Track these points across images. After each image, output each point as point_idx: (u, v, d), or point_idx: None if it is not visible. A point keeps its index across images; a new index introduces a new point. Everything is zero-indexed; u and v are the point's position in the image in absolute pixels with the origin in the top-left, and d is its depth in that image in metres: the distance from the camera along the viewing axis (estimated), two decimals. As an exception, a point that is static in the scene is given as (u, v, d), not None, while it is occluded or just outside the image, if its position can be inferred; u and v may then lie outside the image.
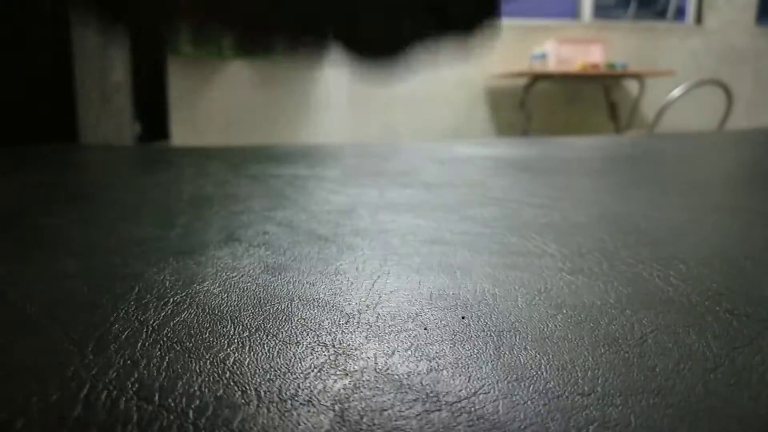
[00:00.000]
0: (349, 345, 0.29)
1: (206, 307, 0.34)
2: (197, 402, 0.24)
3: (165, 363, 0.27)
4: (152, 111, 2.89)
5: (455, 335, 0.30)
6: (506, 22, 4.09)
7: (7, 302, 0.34)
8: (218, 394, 0.24)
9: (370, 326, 0.32)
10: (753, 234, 0.51)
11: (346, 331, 0.31)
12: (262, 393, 0.25)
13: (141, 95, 2.69)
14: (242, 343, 0.29)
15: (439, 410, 0.23)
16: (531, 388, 0.25)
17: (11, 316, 0.32)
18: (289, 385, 0.25)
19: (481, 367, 0.27)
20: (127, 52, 2.44)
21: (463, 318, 0.33)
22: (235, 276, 0.39)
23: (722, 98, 4.03)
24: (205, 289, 0.37)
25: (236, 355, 0.28)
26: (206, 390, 0.25)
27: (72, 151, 1.18)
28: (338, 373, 0.26)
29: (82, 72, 1.96)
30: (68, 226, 0.51)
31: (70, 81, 1.90)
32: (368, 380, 0.26)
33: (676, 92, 3.76)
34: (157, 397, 0.24)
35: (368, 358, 0.28)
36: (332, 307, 0.34)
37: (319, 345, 0.29)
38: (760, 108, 4.46)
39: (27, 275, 0.39)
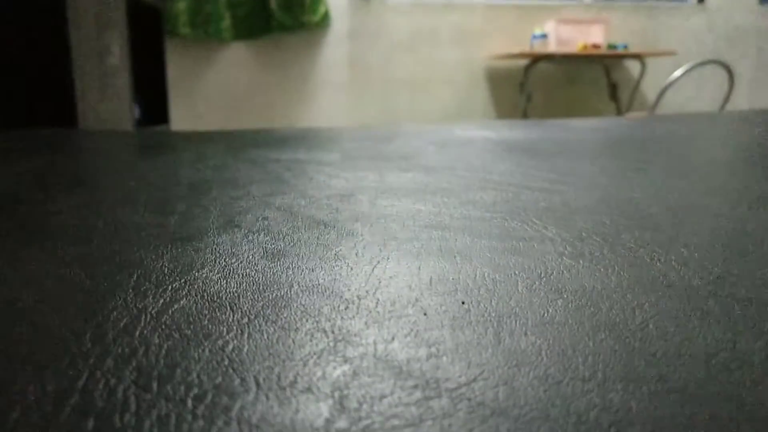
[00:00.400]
0: (348, 331, 0.29)
1: (205, 294, 0.34)
2: (196, 390, 0.24)
3: (163, 351, 0.27)
4: (151, 94, 2.88)
5: (455, 321, 0.30)
6: (507, 2, 4.05)
7: (5, 289, 0.34)
8: (217, 382, 0.24)
9: (370, 312, 0.31)
10: (755, 217, 0.50)
11: (345, 317, 0.31)
12: (261, 380, 0.24)
13: (140, 79, 2.67)
14: (241, 330, 0.29)
15: (438, 397, 0.23)
16: (531, 374, 0.25)
17: (9, 304, 0.32)
18: (288, 372, 0.25)
19: (481, 353, 0.27)
20: (125, 34, 2.42)
21: (462, 303, 0.32)
22: (234, 262, 0.39)
23: (724, 78, 4.01)
24: (204, 275, 0.37)
25: (235, 342, 0.28)
26: (205, 378, 0.25)
27: (71, 135, 1.18)
28: (337, 359, 0.26)
29: (80, 56, 1.95)
30: (67, 212, 0.51)
31: (68, 65, 1.88)
32: (367, 367, 0.26)
33: (678, 73, 3.74)
34: (155, 386, 0.24)
35: (368, 344, 0.28)
36: (332, 293, 0.34)
37: (318, 331, 0.29)
38: (762, 88, 4.44)
39: (25, 262, 0.38)
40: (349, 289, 0.34)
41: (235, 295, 0.34)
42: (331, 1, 3.49)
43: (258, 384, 0.24)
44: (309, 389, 0.24)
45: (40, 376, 0.25)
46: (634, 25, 4.27)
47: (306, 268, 0.38)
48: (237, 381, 0.24)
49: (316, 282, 0.36)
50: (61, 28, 1.84)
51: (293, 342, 0.28)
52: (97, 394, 0.23)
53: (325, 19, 3.43)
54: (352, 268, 0.38)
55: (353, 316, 0.31)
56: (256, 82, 3.46)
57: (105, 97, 2.21)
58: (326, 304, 0.32)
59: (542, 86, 4.08)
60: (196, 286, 0.35)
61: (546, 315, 0.31)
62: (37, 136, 1.06)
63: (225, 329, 0.29)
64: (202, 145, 0.92)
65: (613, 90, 4.17)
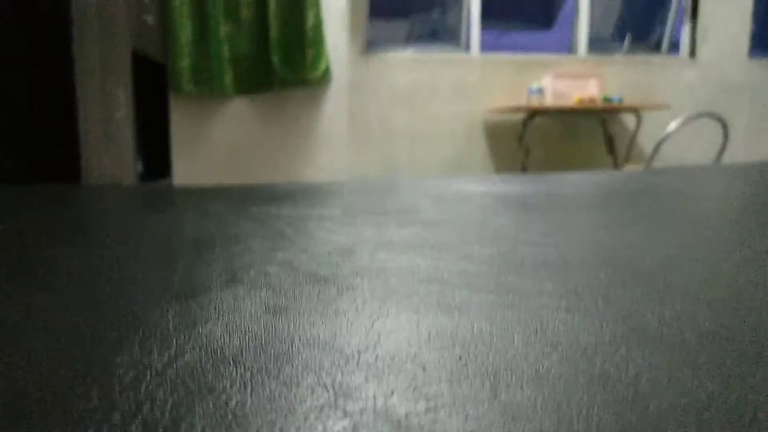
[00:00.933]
0: (348, 386, 0.30)
1: (209, 348, 0.35)
2: (200, 445, 0.24)
3: (169, 405, 0.28)
4: (154, 148, 2.92)
5: (453, 375, 0.31)
6: (503, 57, 4.15)
7: (11, 342, 0.35)
8: (221, 437, 0.25)
9: (370, 367, 0.32)
10: (746, 270, 0.52)
11: (345, 371, 0.32)
12: (264, 435, 0.25)
13: (143, 134, 2.72)
14: (244, 384, 0.30)
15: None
16: (527, 427, 0.26)
17: (15, 356, 0.33)
18: (290, 426, 0.26)
19: (478, 407, 0.28)
20: (130, 90, 2.47)
21: (460, 358, 0.33)
22: (237, 318, 0.40)
23: (719, 131, 4.07)
24: (208, 330, 0.38)
25: (238, 396, 0.29)
26: (209, 433, 0.25)
27: (74, 190, 1.20)
28: (338, 414, 0.27)
29: (85, 111, 1.99)
30: (70, 268, 0.52)
31: (73, 119, 1.92)
32: (367, 421, 0.26)
33: (673, 125, 3.80)
34: (161, 441, 0.25)
35: (367, 398, 0.28)
36: (332, 347, 0.35)
37: (319, 386, 0.30)
38: (756, 139, 4.50)
39: (28, 315, 0.39)
40: (349, 344, 0.35)
41: (238, 350, 0.35)
42: (331, 55, 3.57)
43: (261, 439, 0.25)
44: (310, 444, 0.24)
45: (46, 430, 0.25)
46: (629, 79, 4.36)
47: (307, 323, 0.39)
48: (240, 436, 0.25)
49: (317, 337, 0.36)
50: (67, 84, 1.89)
51: (295, 396, 0.29)
52: (105, 450, 0.24)
53: (327, 74, 3.51)
54: (352, 323, 0.39)
55: (353, 371, 0.32)
56: (258, 136, 3.51)
57: (109, 151, 2.25)
58: (327, 359, 0.33)
59: (540, 139, 4.13)
60: (200, 341, 0.36)
61: (541, 369, 0.32)
62: (40, 191, 1.08)
63: (228, 384, 0.30)
64: (204, 201, 0.94)
65: (610, 143, 4.23)
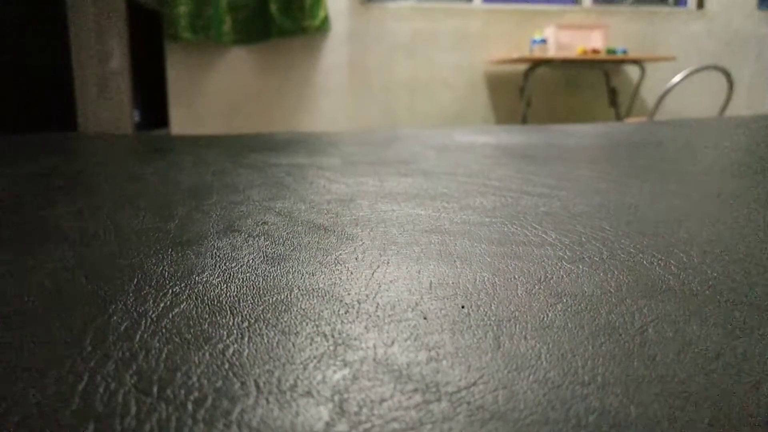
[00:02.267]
0: (348, 335, 0.29)
1: (205, 298, 0.34)
2: (196, 393, 0.24)
3: (164, 355, 0.27)
4: (151, 98, 2.88)
5: (455, 325, 0.30)
6: (506, 7, 4.06)
7: (4, 293, 0.34)
8: (217, 386, 0.24)
9: (370, 316, 0.31)
10: (753, 222, 0.51)
11: (345, 321, 0.31)
12: (261, 384, 0.25)
13: (140, 83, 2.68)
14: (241, 334, 0.29)
15: (438, 401, 0.23)
16: (531, 377, 0.25)
17: (8, 308, 0.32)
18: (288, 376, 0.25)
19: (481, 357, 0.27)
20: (125, 39, 2.42)
21: (462, 307, 0.33)
22: (234, 266, 0.39)
23: (723, 84, 4.01)
24: (204, 279, 0.37)
25: (235, 346, 0.28)
26: (205, 381, 0.25)
27: (71, 139, 1.18)
28: (337, 363, 0.26)
29: (80, 60, 1.95)
30: (66, 217, 0.51)
31: (68, 69, 1.89)
32: (367, 371, 0.26)
33: (677, 78, 3.74)
34: (155, 389, 0.24)
35: (367, 348, 0.28)
36: (331, 297, 0.34)
37: (318, 335, 0.29)
38: (761, 93, 4.45)
39: (25, 266, 0.39)
40: (348, 293, 0.35)
41: (236, 299, 0.34)
42: (330, 5, 3.50)
43: (258, 388, 0.24)
44: (309, 393, 0.24)
45: (40, 380, 0.25)
46: (634, 31, 4.28)
47: (306, 272, 0.38)
48: (237, 385, 0.24)
49: (316, 286, 0.36)
50: (61, 32, 1.85)
51: (293, 346, 0.28)
52: (98, 398, 0.23)
53: (325, 23, 3.44)
54: (351, 273, 0.38)
55: (353, 320, 0.31)
56: (256, 86, 3.46)
57: (105, 101, 2.22)
58: (326, 308, 0.32)
59: (542, 91, 4.08)
60: (196, 290, 0.35)
61: (545, 319, 0.31)
62: (37, 140, 1.07)
63: (225, 333, 0.29)
64: (202, 150, 0.93)
65: (613, 95, 4.18)
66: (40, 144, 1.02)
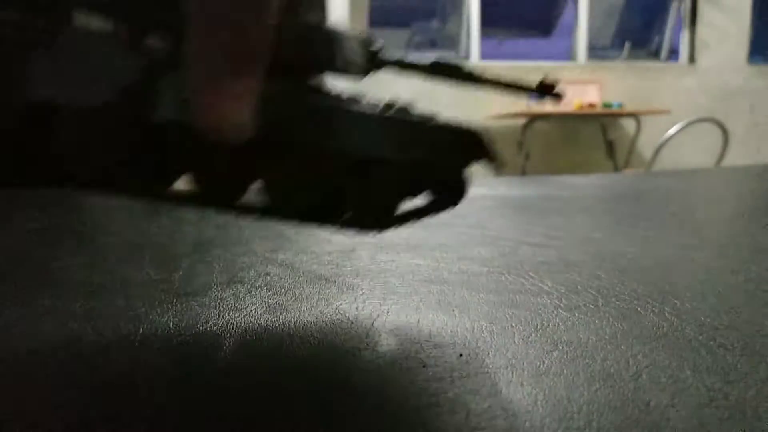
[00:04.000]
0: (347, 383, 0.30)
1: (208, 347, 0.35)
2: (200, 440, 0.24)
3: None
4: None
5: (453, 372, 0.31)
6: (503, 64, 4.16)
7: (12, 345, 0.35)
8: (221, 432, 0.25)
9: (370, 364, 0.32)
10: (746, 270, 0.52)
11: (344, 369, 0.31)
12: None
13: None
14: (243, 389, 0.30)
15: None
16: (527, 423, 0.26)
17: (16, 360, 0.33)
18: (287, 428, 0.26)
19: (478, 404, 0.28)
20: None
21: (460, 355, 0.33)
22: (237, 316, 0.40)
23: (718, 136, 4.08)
24: (208, 329, 0.38)
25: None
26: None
27: (73, 192, 1.20)
28: (339, 410, 0.27)
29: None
30: (72, 269, 0.52)
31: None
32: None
33: (673, 130, 3.81)
34: (161, 436, 0.25)
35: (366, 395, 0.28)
36: (332, 346, 0.35)
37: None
38: (755, 144, 4.51)
39: (33, 317, 0.39)
40: (349, 342, 0.35)
41: (238, 348, 0.34)
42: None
43: (261, 433, 0.25)
44: (310, 438, 0.24)
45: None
46: (628, 85, 4.38)
47: (307, 321, 0.39)
48: None
49: (317, 335, 0.36)
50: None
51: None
52: (104, 444, 0.24)
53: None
54: (352, 322, 0.39)
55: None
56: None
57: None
58: (326, 357, 0.33)
59: (540, 145, 4.14)
60: (200, 340, 0.36)
61: (542, 366, 0.32)
62: (39, 194, 1.08)
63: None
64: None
65: (610, 148, 4.23)
66: (43, 197, 1.04)
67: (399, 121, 0.32)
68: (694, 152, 4.21)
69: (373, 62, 0.36)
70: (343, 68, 0.33)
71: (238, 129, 0.25)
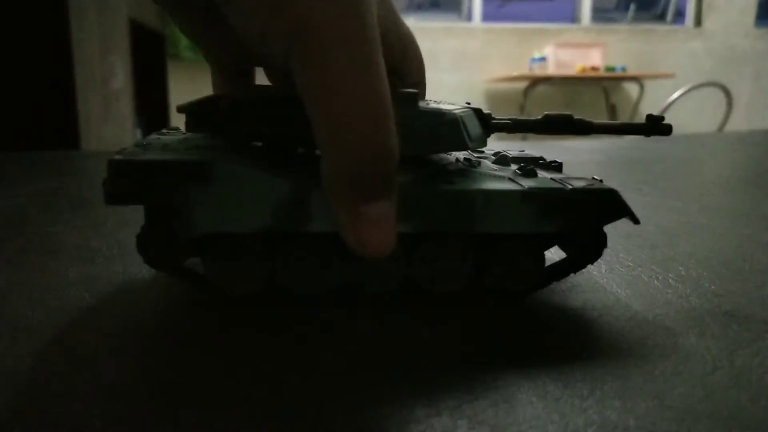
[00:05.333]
0: (349, 350, 0.29)
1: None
2: None
3: (166, 369, 0.27)
4: (153, 117, 2.90)
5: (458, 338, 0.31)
6: (505, 26, 4.10)
7: (8, 309, 0.34)
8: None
9: (370, 331, 0.32)
10: (751, 236, 0.51)
11: None
12: None
13: (142, 101, 2.70)
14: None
15: (439, 415, 0.23)
16: (530, 391, 0.25)
17: (12, 323, 0.32)
18: (290, 390, 0.25)
19: (483, 372, 0.27)
20: (128, 58, 2.45)
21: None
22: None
23: (722, 100, 4.04)
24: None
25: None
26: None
27: (74, 158, 1.19)
28: (338, 377, 0.27)
29: (83, 79, 1.97)
30: (70, 234, 0.52)
31: (72, 88, 1.90)
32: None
33: (676, 95, 3.77)
34: (158, 403, 0.24)
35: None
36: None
37: None
38: (759, 110, 4.47)
39: (30, 282, 0.39)
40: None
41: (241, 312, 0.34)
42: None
43: None
44: None
45: (38, 396, 0.25)
46: (632, 49, 4.31)
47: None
48: (239, 398, 0.25)
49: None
50: (65, 51, 1.87)
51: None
52: (96, 416, 0.24)
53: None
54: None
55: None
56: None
57: (108, 120, 2.23)
58: None
59: (541, 108, 4.10)
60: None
61: (545, 340, 0.31)
62: (40, 158, 1.07)
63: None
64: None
65: (612, 112, 4.19)
66: (44, 162, 1.03)
67: (538, 195, 0.32)
68: (698, 117, 4.17)
69: (489, 128, 0.37)
70: (468, 146, 0.34)
71: (381, 248, 0.25)
